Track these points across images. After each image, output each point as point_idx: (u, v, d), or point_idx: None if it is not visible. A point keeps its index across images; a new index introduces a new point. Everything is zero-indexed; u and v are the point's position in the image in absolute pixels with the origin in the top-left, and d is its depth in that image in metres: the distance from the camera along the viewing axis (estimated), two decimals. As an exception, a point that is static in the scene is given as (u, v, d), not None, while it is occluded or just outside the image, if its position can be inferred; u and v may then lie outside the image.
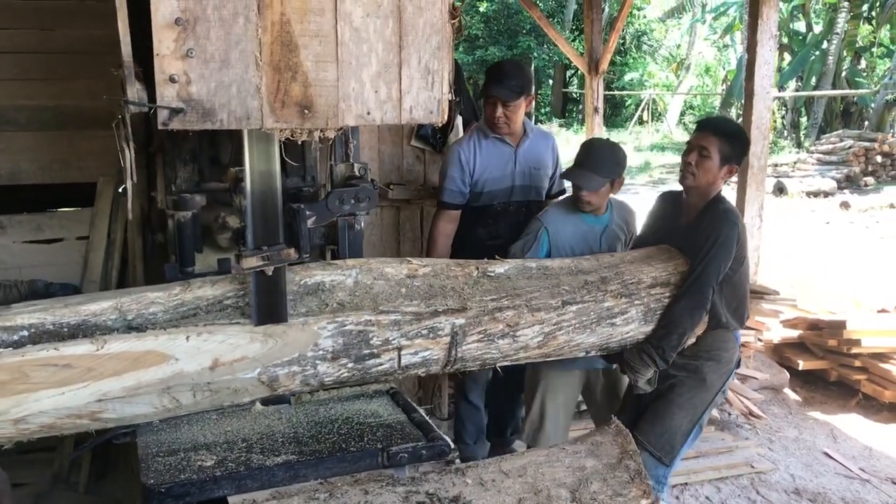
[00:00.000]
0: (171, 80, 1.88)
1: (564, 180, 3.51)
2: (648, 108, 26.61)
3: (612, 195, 3.33)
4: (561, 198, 3.64)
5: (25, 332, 2.16)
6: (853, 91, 20.04)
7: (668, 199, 3.36)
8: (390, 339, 2.45)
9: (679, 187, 3.25)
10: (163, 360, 2.16)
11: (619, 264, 3.00)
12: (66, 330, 2.20)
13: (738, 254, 3.00)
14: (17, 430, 2.10)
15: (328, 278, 2.48)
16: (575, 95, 28.34)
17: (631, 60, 29.14)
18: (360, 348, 2.40)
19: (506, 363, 2.79)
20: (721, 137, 3.02)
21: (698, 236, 2.99)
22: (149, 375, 2.15)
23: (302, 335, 2.31)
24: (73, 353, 2.09)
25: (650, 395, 3.11)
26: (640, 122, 26.42)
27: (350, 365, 2.41)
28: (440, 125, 2.68)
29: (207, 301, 2.34)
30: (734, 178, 4.05)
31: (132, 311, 2.28)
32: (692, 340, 3.03)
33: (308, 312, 2.36)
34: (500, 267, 2.82)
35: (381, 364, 2.47)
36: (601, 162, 3.16)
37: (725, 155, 3.02)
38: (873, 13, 20.94)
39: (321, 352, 2.35)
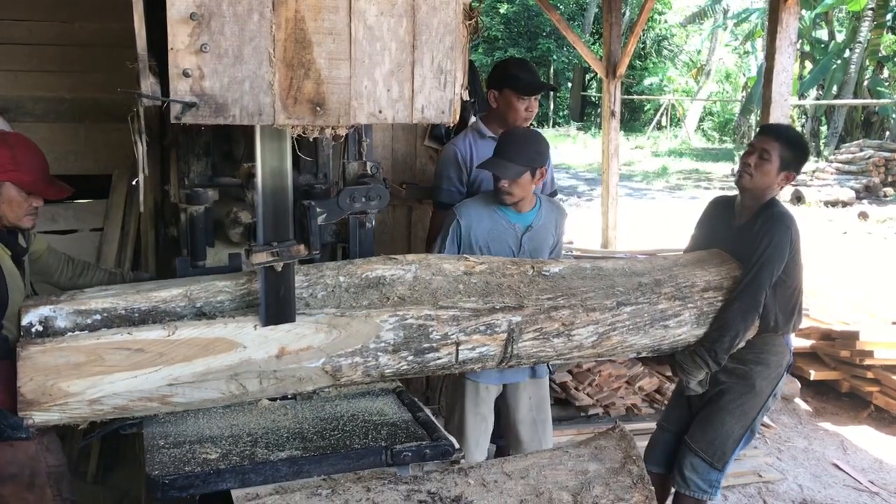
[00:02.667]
0: (185, 74, 1.88)
1: (483, 170, 3.18)
2: (667, 114, 26.52)
3: (538, 189, 3.21)
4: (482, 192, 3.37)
5: (98, 317, 2.25)
6: (874, 101, 19.87)
7: (720, 203, 3.37)
8: (449, 334, 2.52)
9: (730, 193, 3.25)
10: (231, 347, 2.24)
11: (672, 267, 3.03)
12: (136, 315, 2.28)
13: (791, 257, 3.00)
14: (92, 411, 2.19)
15: (388, 273, 2.55)
16: (594, 99, 28.29)
17: (651, 65, 29.08)
18: (420, 342, 2.48)
19: (558, 361, 2.87)
20: (783, 143, 3.03)
21: (752, 239, 3.00)
22: (218, 362, 2.23)
23: (365, 327, 2.39)
24: (146, 337, 2.18)
25: (699, 402, 3.15)
26: (659, 127, 26.32)
27: (410, 358, 2.49)
28: (452, 125, 2.68)
29: None
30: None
31: (201, 298, 2.36)
32: (742, 343, 3.03)
33: (370, 305, 2.43)
34: (554, 266, 2.86)
35: (439, 358, 2.54)
36: (518, 149, 2.99)
37: (786, 161, 3.03)
38: (897, 23, 20.78)
39: (383, 344, 2.43)
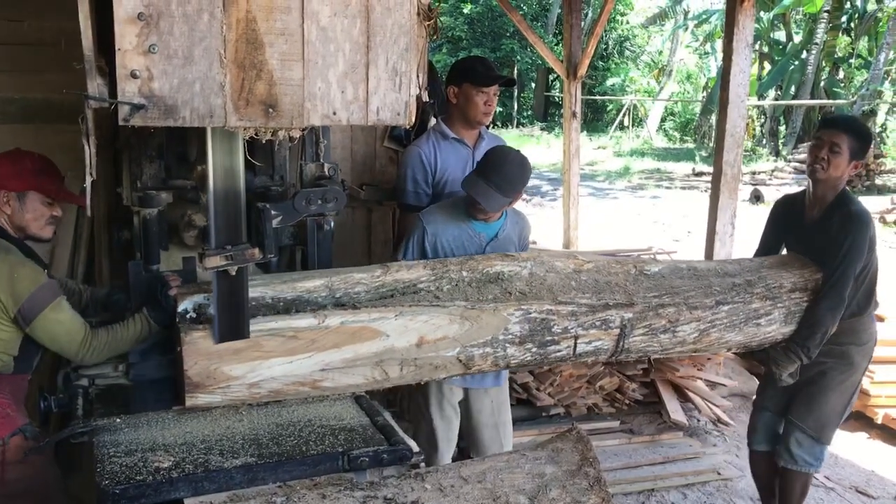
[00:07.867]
0: (133, 75, 1.85)
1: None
2: (629, 114, 26.72)
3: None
4: (450, 199, 3.32)
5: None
6: (831, 101, 20.22)
7: (787, 202, 3.56)
8: (569, 328, 2.73)
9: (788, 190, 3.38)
10: (375, 335, 2.43)
11: (759, 269, 3.22)
12: (281, 304, 2.41)
13: (869, 249, 3.18)
14: (251, 394, 2.35)
15: (507, 269, 2.72)
16: (557, 99, 28.42)
17: (613, 66, 29.30)
18: (543, 335, 2.68)
19: (659, 356, 3.12)
20: (852, 135, 3.17)
21: (830, 237, 3.17)
22: (364, 349, 2.42)
23: (494, 320, 2.59)
24: (299, 325, 2.35)
25: (796, 384, 3.31)
26: (621, 127, 26.53)
27: (534, 350, 2.70)
28: (410, 127, 2.67)
29: (404, 284, 2.60)
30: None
31: (340, 289, 2.51)
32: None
33: (495, 299, 2.58)
34: (654, 266, 3.02)
35: (559, 350, 2.75)
36: (510, 184, 2.92)
37: (854, 151, 3.17)
38: (852, 25, 21.16)
39: (510, 336, 2.63)
